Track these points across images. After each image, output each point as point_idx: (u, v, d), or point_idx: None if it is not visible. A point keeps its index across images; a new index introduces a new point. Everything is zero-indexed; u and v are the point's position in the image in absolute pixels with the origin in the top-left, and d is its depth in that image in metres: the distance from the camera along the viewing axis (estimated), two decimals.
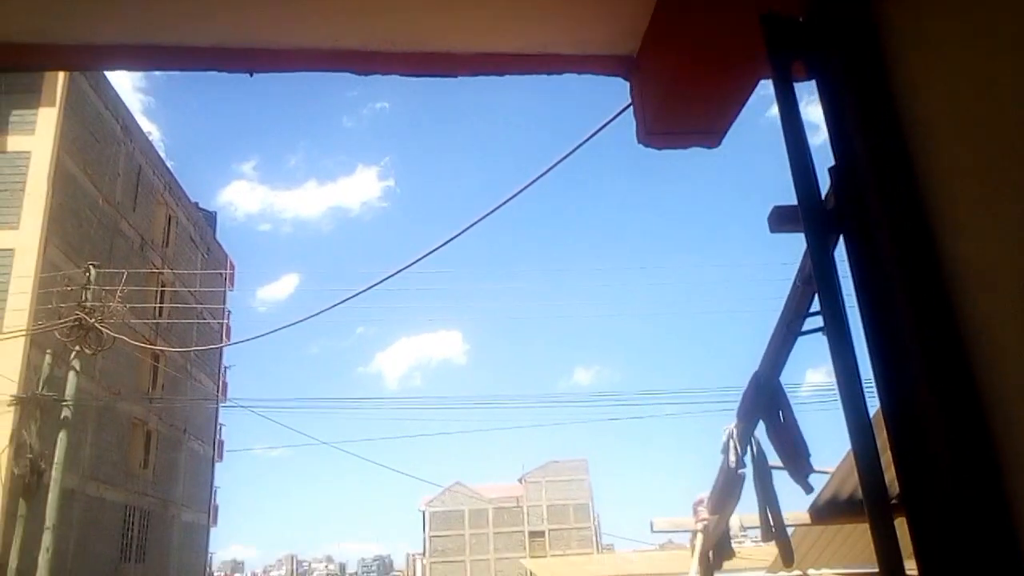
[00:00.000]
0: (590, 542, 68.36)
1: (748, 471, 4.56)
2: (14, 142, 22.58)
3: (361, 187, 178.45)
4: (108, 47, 2.03)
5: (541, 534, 70.23)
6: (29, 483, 16.76)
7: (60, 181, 22.63)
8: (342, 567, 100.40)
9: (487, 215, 8.82)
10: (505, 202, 8.60)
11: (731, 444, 4.52)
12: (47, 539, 16.00)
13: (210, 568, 36.92)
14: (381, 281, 10.33)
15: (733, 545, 7.58)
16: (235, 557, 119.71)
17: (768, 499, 4.39)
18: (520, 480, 73.89)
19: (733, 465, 4.57)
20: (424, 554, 75.57)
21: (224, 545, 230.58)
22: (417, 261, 9.72)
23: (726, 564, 8.26)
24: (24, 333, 19.80)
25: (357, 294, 10.60)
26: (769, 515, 4.43)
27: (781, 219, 2.09)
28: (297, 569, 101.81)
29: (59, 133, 22.75)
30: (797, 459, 3.74)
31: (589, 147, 6.37)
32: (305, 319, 12.74)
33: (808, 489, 3.95)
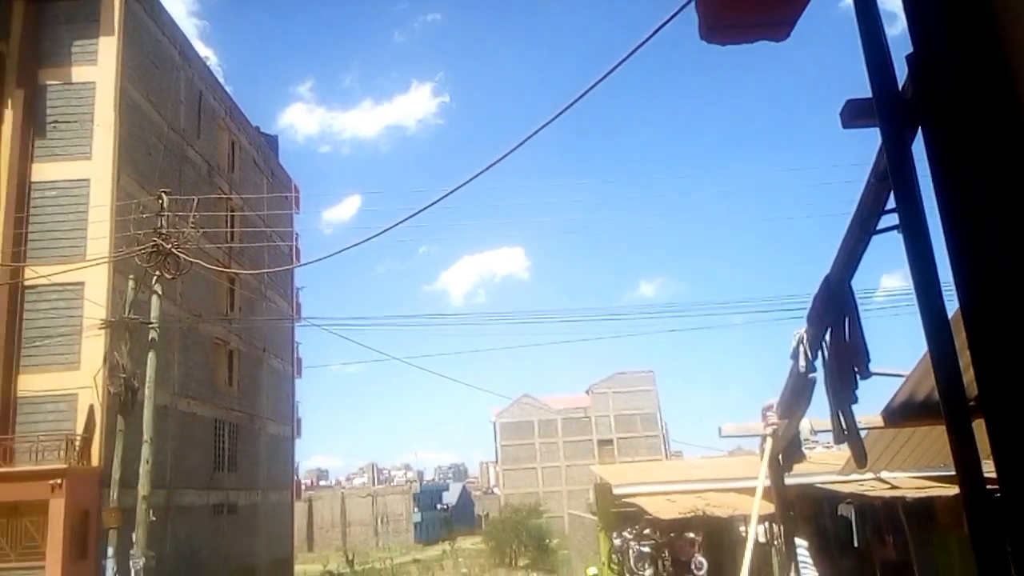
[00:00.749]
0: (658, 450, 69.64)
1: (819, 375, 4.51)
2: (78, 73, 23.02)
3: (416, 104, 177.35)
4: None
5: (609, 442, 71.80)
6: (125, 400, 17.84)
7: (126, 110, 23.12)
8: (420, 474, 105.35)
9: (544, 126, 8.65)
10: (563, 111, 8.40)
11: (801, 349, 4.46)
12: (145, 451, 17.12)
13: (297, 476, 39.10)
14: (441, 198, 10.33)
15: (803, 449, 7.59)
16: (319, 466, 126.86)
17: (840, 402, 4.35)
18: (587, 391, 75.16)
19: (803, 369, 4.52)
20: (496, 462, 78.36)
21: (308, 456, 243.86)
22: (475, 177, 9.67)
23: (796, 467, 8.30)
24: (107, 260, 20.71)
25: (418, 212, 10.65)
26: (841, 418, 4.39)
27: (854, 113, 1.97)
28: (378, 476, 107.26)
29: (120, 62, 23.06)
30: (857, 363, 3.66)
31: (650, 53, 6.13)
32: (370, 238, 12.93)
33: (853, 399, 3.88)
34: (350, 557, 40.81)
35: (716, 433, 8.64)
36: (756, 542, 11.28)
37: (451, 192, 10.25)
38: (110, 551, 17.05)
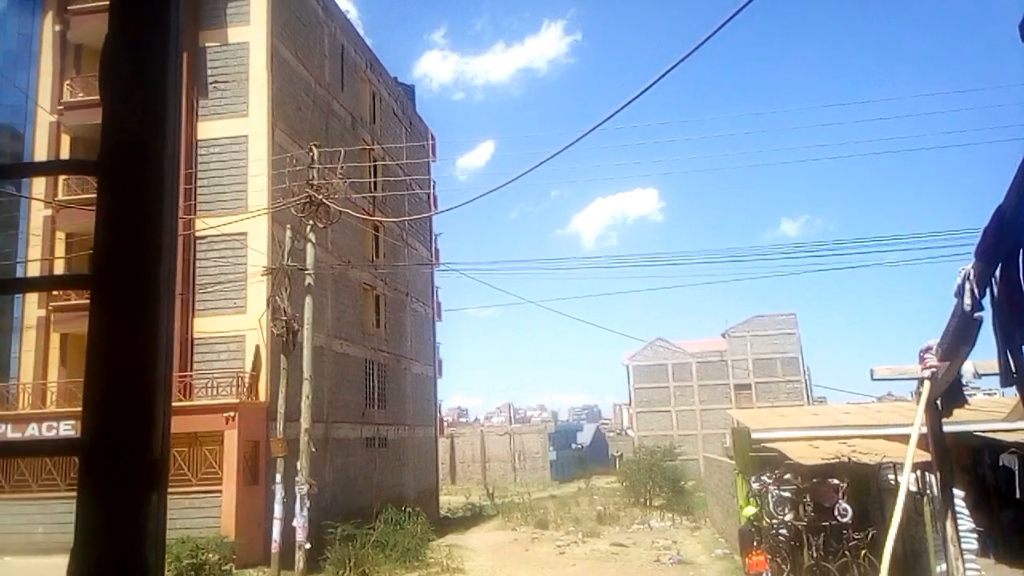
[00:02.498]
0: (800, 395, 67.38)
1: (987, 314, 4.32)
2: (233, 33, 24.42)
3: (547, 44, 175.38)
4: None
5: (747, 387, 70.20)
6: (286, 341, 19.23)
7: (277, 67, 24.38)
8: (554, 415, 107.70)
9: (680, 61, 8.46)
10: (700, 45, 8.18)
11: (967, 286, 4.27)
12: (306, 388, 18.48)
13: (440, 414, 41.01)
14: (574, 142, 10.39)
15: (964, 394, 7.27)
16: (460, 405, 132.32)
17: (1009, 342, 4.16)
18: (723, 335, 73.48)
19: (968, 308, 4.33)
20: (630, 404, 78.62)
21: (449, 395, 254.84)
22: (608, 119, 9.64)
23: (954, 414, 7.95)
24: (266, 211, 22.22)
25: (551, 156, 10.75)
26: (1010, 359, 4.20)
27: None
28: (514, 416, 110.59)
29: (270, 20, 24.27)
30: None
31: None
32: (504, 184, 13.18)
33: (1022, 340, 3.69)
34: (490, 490, 42.62)
35: (863, 379, 8.41)
36: (907, 491, 10.91)
37: (585, 135, 10.29)
38: (278, 478, 18.25)
